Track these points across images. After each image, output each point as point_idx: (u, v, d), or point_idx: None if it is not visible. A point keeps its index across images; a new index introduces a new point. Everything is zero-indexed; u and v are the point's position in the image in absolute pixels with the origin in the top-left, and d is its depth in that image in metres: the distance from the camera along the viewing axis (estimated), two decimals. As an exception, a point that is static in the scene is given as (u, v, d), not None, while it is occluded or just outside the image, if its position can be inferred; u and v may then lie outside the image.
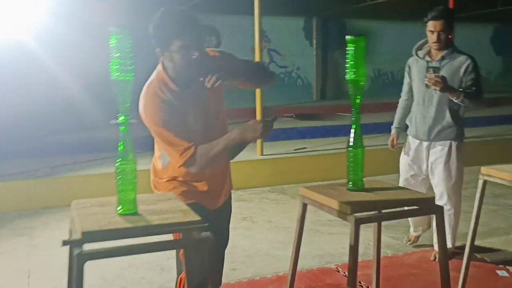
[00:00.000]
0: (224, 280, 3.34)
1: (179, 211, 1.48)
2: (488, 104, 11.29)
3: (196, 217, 1.41)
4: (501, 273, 3.41)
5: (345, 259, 3.76)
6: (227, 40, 10.68)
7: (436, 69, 3.32)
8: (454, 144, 3.50)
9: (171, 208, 1.52)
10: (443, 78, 3.23)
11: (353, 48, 1.75)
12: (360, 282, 3.33)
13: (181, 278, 2.25)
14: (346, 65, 1.80)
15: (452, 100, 3.38)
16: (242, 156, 6.92)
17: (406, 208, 1.73)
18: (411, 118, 3.65)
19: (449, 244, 3.62)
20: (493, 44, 13.65)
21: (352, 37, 1.77)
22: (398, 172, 3.86)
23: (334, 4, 10.11)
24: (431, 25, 3.36)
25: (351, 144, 1.79)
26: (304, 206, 1.89)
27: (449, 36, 3.41)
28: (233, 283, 3.38)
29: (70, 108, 7.24)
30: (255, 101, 6.50)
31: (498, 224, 4.46)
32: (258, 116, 6.43)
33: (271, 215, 5.00)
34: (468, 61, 3.39)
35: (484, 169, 2.25)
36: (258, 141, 6.37)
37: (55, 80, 6.84)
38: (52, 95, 6.82)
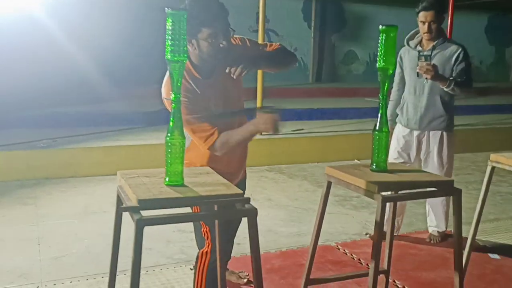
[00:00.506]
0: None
1: (221, 184, 1.59)
2: (479, 93, 11.51)
3: (239, 190, 1.52)
4: (493, 256, 3.59)
5: (344, 237, 3.92)
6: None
7: (427, 57, 3.40)
8: (445, 134, 3.58)
9: (212, 181, 1.62)
10: (434, 66, 3.28)
11: (384, 37, 1.84)
12: (359, 260, 3.49)
13: (202, 252, 2.37)
14: (377, 53, 1.88)
15: (443, 90, 3.44)
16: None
17: (426, 189, 1.85)
18: (402, 107, 3.70)
19: (442, 227, 3.80)
20: (487, 34, 13.80)
21: (384, 27, 1.86)
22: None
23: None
24: (422, 15, 3.39)
25: (377, 128, 1.89)
26: (329, 184, 2.00)
27: (441, 26, 3.46)
28: (238, 256, 3.51)
29: (76, 80, 7.23)
30: (255, 81, 6.58)
31: (488, 210, 4.65)
32: (259, 96, 6.52)
33: (270, 193, 5.13)
34: (459, 50, 3.44)
35: (493, 156, 2.38)
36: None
37: (61, 51, 6.80)
38: (58, 66, 6.80)
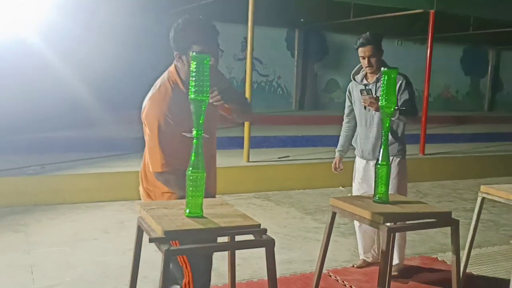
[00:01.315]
0: (222, 280, 3.53)
1: (238, 215, 1.67)
2: (457, 122, 11.87)
3: (255, 222, 1.61)
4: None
5: (335, 264, 4.00)
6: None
7: (369, 91, 3.46)
8: (396, 160, 3.60)
9: (229, 212, 1.71)
10: (377, 98, 3.32)
11: (386, 79, 1.97)
12: (351, 287, 3.57)
13: (184, 284, 2.30)
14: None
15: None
16: (230, 162, 7.09)
17: (426, 220, 1.96)
18: (356, 139, 3.78)
19: (396, 260, 3.63)
20: (463, 64, 14.30)
21: (386, 69, 1.99)
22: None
23: (319, 18, 10.43)
24: (361, 51, 3.51)
25: (379, 161, 2.01)
26: (334, 215, 2.10)
27: (381, 58, 3.56)
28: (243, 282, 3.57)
29: (69, 104, 7.23)
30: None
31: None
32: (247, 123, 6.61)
33: (259, 220, 5.13)
34: (401, 80, 3.52)
35: (483, 188, 2.52)
36: (245, 148, 6.57)
37: (55, 75, 6.82)
38: (52, 90, 6.81)
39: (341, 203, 2.00)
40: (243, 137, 6.60)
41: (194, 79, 1.63)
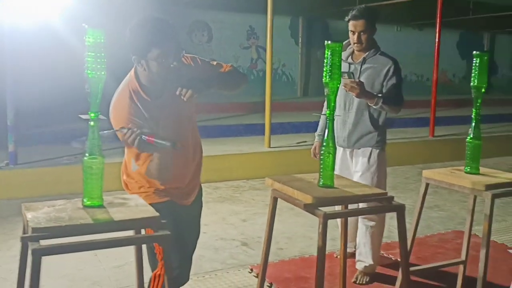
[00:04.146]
0: (276, 258, 3.75)
1: (363, 186, 1.87)
2: (455, 105, 12.17)
3: (383, 190, 1.82)
4: (512, 251, 3.98)
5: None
6: (218, 35, 10.99)
7: (350, 75, 3.04)
8: (375, 151, 3.28)
9: (355, 184, 1.87)
10: (359, 83, 3.00)
11: (478, 60, 2.18)
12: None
13: (155, 275, 2.18)
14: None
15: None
16: (252, 148, 7.25)
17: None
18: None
19: (370, 261, 3.35)
20: (459, 49, 14.61)
21: (478, 52, 2.19)
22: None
23: (323, 5, 10.61)
24: (351, 25, 3.13)
25: (471, 136, 2.21)
26: (427, 186, 2.31)
27: (372, 37, 3.21)
28: (287, 260, 3.78)
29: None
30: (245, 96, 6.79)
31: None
32: (267, 110, 6.80)
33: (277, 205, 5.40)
34: (390, 64, 3.17)
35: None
36: (266, 135, 6.78)
37: (81, 66, 6.92)
38: (78, 81, 6.91)
39: (436, 175, 2.23)
40: (259, 124, 6.74)
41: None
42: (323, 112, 3.43)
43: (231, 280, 3.41)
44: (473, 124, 2.23)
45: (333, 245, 4.00)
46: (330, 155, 1.97)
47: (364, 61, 3.21)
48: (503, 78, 15.65)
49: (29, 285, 1.45)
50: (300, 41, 11.78)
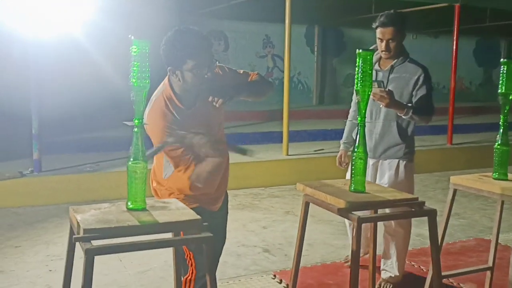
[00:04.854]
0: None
1: (393, 191, 1.89)
2: (473, 112, 12.10)
3: (414, 196, 1.85)
4: None
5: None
6: (234, 44, 11.11)
7: (380, 83, 2.92)
8: (402, 163, 3.17)
9: (384, 189, 1.91)
10: (389, 93, 2.88)
11: (505, 68, 2.21)
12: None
13: (185, 279, 2.26)
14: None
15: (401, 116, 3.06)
16: (271, 156, 7.28)
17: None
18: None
19: (395, 272, 3.30)
20: (475, 56, 14.56)
21: (506, 60, 2.23)
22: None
23: (339, 14, 10.67)
24: (379, 32, 3.01)
25: (498, 142, 2.24)
26: (454, 192, 2.33)
27: (401, 44, 3.08)
28: (309, 266, 3.80)
29: (116, 104, 7.49)
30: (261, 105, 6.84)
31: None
32: (285, 118, 6.84)
33: (309, 210, 5.42)
34: (419, 73, 3.05)
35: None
36: (284, 142, 6.82)
37: (103, 76, 7.04)
38: (100, 91, 7.03)
39: (464, 181, 2.25)
40: (276, 132, 6.76)
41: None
42: (351, 116, 3.39)
43: (255, 286, 3.43)
44: (501, 130, 2.25)
45: (342, 253, 4.03)
46: (362, 160, 2.00)
47: (392, 69, 3.10)
48: (521, 85, 15.53)
49: (81, 284, 1.51)
50: (315, 49, 11.85)
